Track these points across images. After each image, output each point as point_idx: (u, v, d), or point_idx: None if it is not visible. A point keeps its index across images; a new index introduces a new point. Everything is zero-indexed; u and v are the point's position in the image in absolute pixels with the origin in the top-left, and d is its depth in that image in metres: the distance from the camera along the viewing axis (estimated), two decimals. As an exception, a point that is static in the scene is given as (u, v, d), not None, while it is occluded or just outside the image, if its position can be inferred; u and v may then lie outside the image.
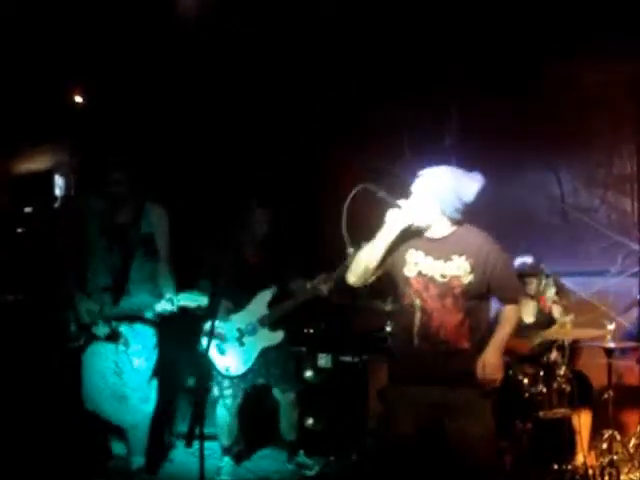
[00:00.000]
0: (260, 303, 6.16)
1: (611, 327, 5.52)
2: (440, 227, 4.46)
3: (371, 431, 6.24)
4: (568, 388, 5.63)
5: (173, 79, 7.47)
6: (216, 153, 7.67)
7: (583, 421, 5.75)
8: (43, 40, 6.94)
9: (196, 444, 4.50)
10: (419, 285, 4.42)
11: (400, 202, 4.38)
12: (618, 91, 6.81)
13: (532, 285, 6.25)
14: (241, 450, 6.53)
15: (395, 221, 4.38)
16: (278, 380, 6.24)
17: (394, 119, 7.38)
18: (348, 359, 6.75)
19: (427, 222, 4.44)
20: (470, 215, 4.50)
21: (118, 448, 5.98)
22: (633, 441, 5.74)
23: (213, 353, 6.07)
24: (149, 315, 5.64)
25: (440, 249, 4.43)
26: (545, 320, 6.19)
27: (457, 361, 4.39)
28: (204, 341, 5.73)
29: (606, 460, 5.51)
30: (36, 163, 7.85)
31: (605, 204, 6.91)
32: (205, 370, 5.93)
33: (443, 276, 4.39)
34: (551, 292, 6.28)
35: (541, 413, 5.63)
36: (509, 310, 4.56)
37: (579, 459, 5.74)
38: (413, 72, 7.26)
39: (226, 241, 6.38)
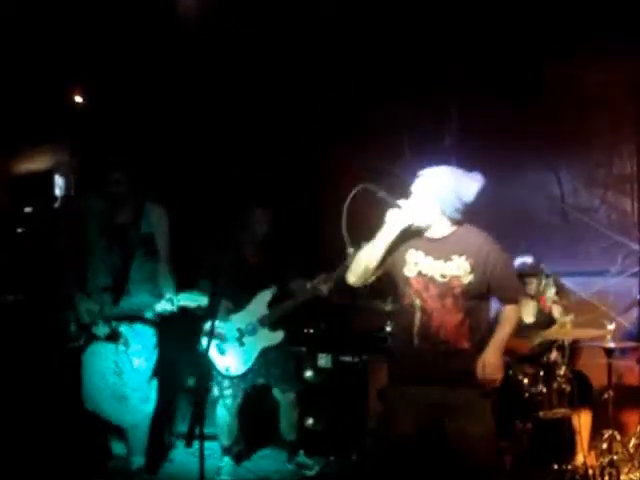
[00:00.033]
0: (260, 303, 6.16)
1: (611, 327, 5.52)
2: (440, 227, 4.46)
3: (371, 431, 6.24)
4: (568, 388, 5.63)
5: (173, 79, 7.46)
6: (216, 153, 7.66)
7: (583, 421, 5.75)
8: (43, 40, 6.93)
9: (196, 444, 4.51)
10: (419, 285, 4.42)
11: (400, 202, 4.38)
12: (618, 91, 6.81)
13: (532, 285, 6.25)
14: (241, 450, 6.53)
15: (395, 221, 4.38)
16: (278, 380, 6.24)
17: (394, 119, 7.38)
18: (348, 359, 6.75)
19: (427, 222, 4.44)
20: (470, 215, 4.50)
21: (118, 448, 5.98)
22: (633, 441, 5.74)
23: (213, 353, 6.07)
24: (149, 315, 5.64)
25: (440, 249, 4.43)
26: (545, 320, 6.19)
27: (457, 361, 4.39)
28: (204, 341, 5.73)
29: (606, 460, 5.51)
30: (36, 163, 7.85)
31: (605, 204, 6.91)
32: (205, 370, 5.93)
33: (443, 276, 4.39)
34: (551, 292, 6.28)
35: (541, 413, 5.63)
36: (509, 310, 4.56)
37: (579, 459, 5.74)
38: (413, 72, 7.26)
39: (226, 241, 6.38)
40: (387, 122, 7.42)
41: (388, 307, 6.18)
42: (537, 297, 6.28)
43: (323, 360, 6.82)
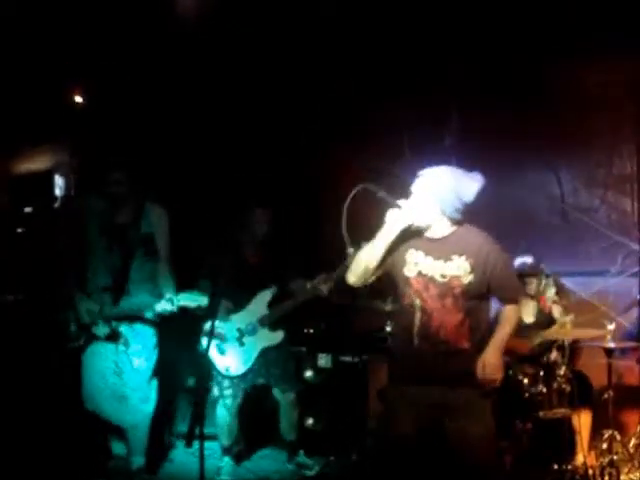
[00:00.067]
0: (260, 303, 6.16)
1: (611, 327, 5.52)
2: (440, 227, 4.46)
3: (371, 431, 6.24)
4: (568, 388, 5.63)
5: (173, 79, 7.46)
6: (216, 153, 7.66)
7: (583, 421, 5.75)
8: (43, 40, 6.93)
9: (196, 444, 4.51)
10: (419, 285, 4.42)
11: (400, 202, 4.39)
12: (618, 91, 6.81)
13: (532, 285, 6.26)
14: (241, 450, 6.52)
15: (395, 221, 4.38)
16: (278, 380, 6.24)
17: (394, 119, 7.37)
18: (348, 359, 6.75)
19: (427, 222, 4.44)
20: (471, 215, 4.50)
21: (118, 448, 5.98)
22: (633, 441, 5.74)
23: (213, 353, 6.07)
24: (149, 315, 5.64)
25: (440, 249, 4.43)
26: (545, 320, 6.20)
27: (457, 361, 4.39)
28: (204, 341, 5.73)
29: (606, 460, 5.51)
30: (36, 163, 7.86)
31: (605, 204, 6.91)
32: (205, 370, 5.93)
33: (443, 276, 4.39)
34: (551, 292, 6.28)
35: (541, 413, 5.63)
36: (509, 310, 4.56)
37: (579, 459, 5.74)
38: (413, 72, 7.26)
39: (226, 241, 6.38)
40: (387, 122, 7.41)
41: (388, 307, 6.18)
42: (537, 297, 6.28)
43: (323, 360, 6.82)
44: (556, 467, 5.60)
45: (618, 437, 5.63)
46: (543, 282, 6.29)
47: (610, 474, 5.45)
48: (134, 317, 5.64)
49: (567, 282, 6.44)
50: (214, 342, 6.01)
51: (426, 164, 4.53)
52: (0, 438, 5.98)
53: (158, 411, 5.92)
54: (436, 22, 6.94)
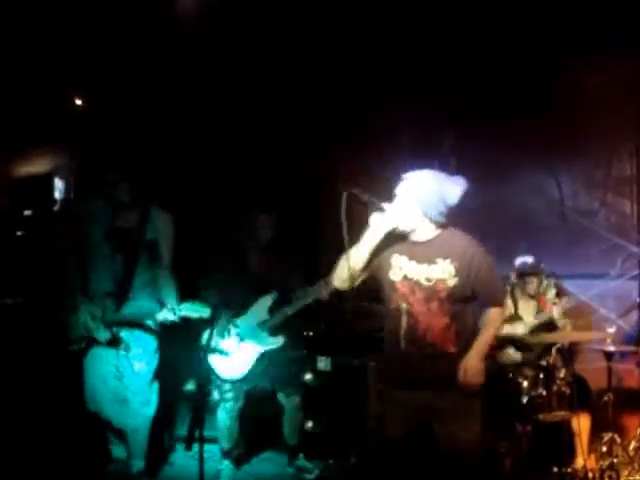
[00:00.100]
0: (261, 308, 6.15)
1: (611, 330, 5.53)
2: (424, 230, 4.47)
3: (370, 432, 6.25)
4: (568, 391, 5.63)
5: (173, 81, 7.45)
6: (215, 153, 7.66)
7: (583, 424, 5.75)
8: (43, 42, 6.92)
9: (196, 447, 4.51)
10: (405, 289, 4.44)
11: (384, 205, 4.39)
12: (618, 91, 6.80)
13: (532, 284, 6.28)
14: (241, 453, 6.51)
15: (379, 224, 4.40)
16: (282, 384, 6.24)
17: (394, 119, 7.37)
18: (348, 361, 6.75)
19: (411, 225, 4.45)
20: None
21: (118, 451, 5.97)
22: (633, 444, 5.71)
23: (213, 357, 6.07)
24: (150, 323, 5.63)
25: (424, 252, 4.44)
26: (545, 321, 6.19)
27: (443, 364, 4.40)
28: (204, 345, 5.74)
29: (606, 463, 5.52)
30: (36, 166, 7.85)
31: (604, 206, 6.91)
32: (205, 374, 5.93)
33: (428, 279, 4.40)
34: (552, 293, 6.29)
35: (541, 416, 5.63)
36: (493, 313, 4.56)
37: (579, 462, 5.75)
38: (413, 72, 7.25)
39: (226, 241, 6.39)
40: (387, 122, 7.41)
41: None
42: (537, 297, 6.28)
43: (323, 363, 6.81)
44: (556, 470, 5.61)
45: (618, 440, 5.63)
46: (544, 282, 6.29)
47: (610, 477, 5.46)
48: (135, 324, 5.63)
49: (567, 285, 6.45)
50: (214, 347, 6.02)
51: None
52: (1, 441, 5.99)
53: (159, 414, 5.91)
54: (436, 22, 6.92)
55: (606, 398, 5.55)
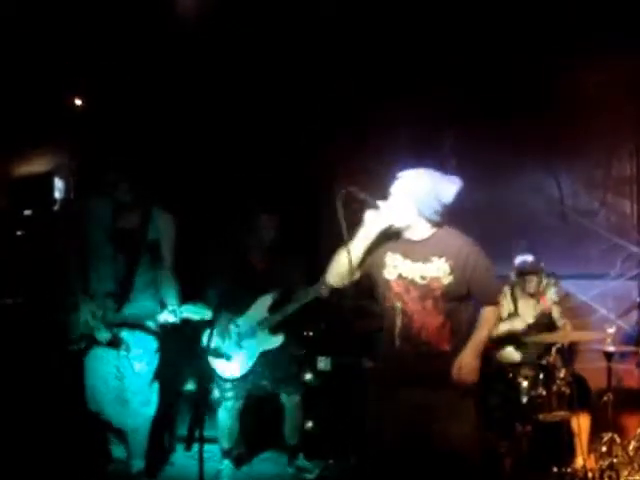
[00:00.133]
0: (261, 307, 6.16)
1: (611, 330, 5.52)
2: (420, 229, 4.47)
3: (367, 431, 6.24)
4: (568, 391, 5.62)
5: (173, 81, 7.44)
6: (215, 152, 7.65)
7: (582, 424, 5.75)
8: (43, 42, 6.91)
9: (196, 447, 4.50)
10: (400, 288, 4.45)
11: (379, 203, 4.40)
12: (618, 91, 6.80)
13: (532, 283, 6.28)
14: (241, 453, 6.51)
15: (373, 222, 4.41)
16: (283, 383, 6.24)
17: (394, 119, 7.36)
18: (348, 361, 6.75)
19: (406, 223, 4.45)
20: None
21: (118, 452, 5.97)
22: (633, 444, 5.70)
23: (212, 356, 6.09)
24: (151, 324, 5.63)
25: (419, 251, 4.45)
26: (545, 321, 6.19)
27: (438, 363, 4.41)
28: (204, 345, 5.75)
29: (606, 463, 5.52)
30: (36, 165, 7.82)
31: (604, 206, 6.92)
32: (205, 374, 5.94)
33: (423, 278, 4.41)
34: (552, 292, 6.28)
35: (541, 416, 5.63)
36: (488, 312, 4.57)
37: (579, 462, 5.74)
38: (413, 72, 7.25)
39: (226, 241, 6.39)
40: (387, 122, 7.40)
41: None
42: (537, 297, 6.28)
43: (322, 363, 6.82)
44: (556, 470, 5.61)
45: (618, 440, 5.63)
46: (544, 281, 6.29)
47: (610, 477, 5.46)
48: (136, 325, 5.63)
49: (567, 285, 6.45)
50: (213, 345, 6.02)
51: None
52: (1, 441, 5.99)
53: (159, 415, 5.91)
54: (436, 22, 6.92)
55: (606, 398, 5.55)
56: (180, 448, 6.59)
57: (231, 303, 6.05)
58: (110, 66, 7.21)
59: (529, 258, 6.23)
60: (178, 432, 6.75)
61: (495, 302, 4.62)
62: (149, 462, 5.90)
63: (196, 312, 5.40)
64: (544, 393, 5.65)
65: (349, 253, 4.35)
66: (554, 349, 5.74)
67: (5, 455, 5.86)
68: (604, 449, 5.61)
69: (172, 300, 5.55)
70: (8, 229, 7.51)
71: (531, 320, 6.26)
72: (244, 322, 6.15)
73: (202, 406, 5.32)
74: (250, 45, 7.18)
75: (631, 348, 6.12)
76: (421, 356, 4.41)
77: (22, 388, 6.33)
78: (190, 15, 6.92)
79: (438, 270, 4.40)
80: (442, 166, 4.74)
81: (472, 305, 4.55)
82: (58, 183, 7.83)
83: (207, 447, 5.37)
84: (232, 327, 6.12)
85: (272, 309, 6.16)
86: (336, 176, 7.29)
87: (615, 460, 5.53)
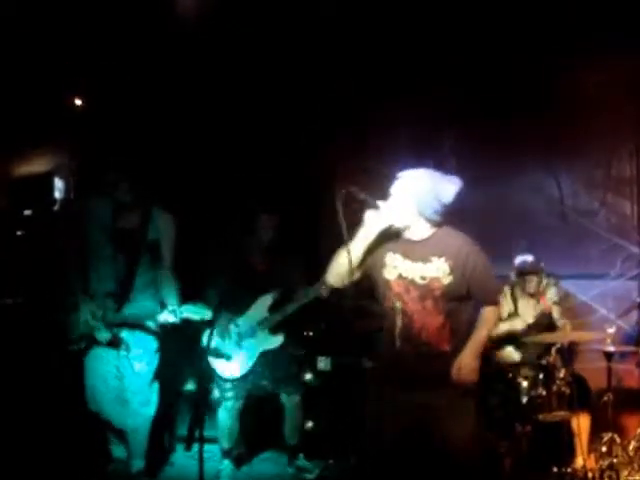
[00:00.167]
0: (260, 307, 6.17)
1: (611, 330, 5.52)
2: (419, 229, 4.48)
3: (367, 432, 6.24)
4: (568, 391, 5.62)
5: (173, 81, 7.44)
6: (215, 152, 7.65)
7: (582, 424, 5.75)
8: (43, 42, 6.91)
9: (196, 447, 4.50)
10: (400, 288, 4.45)
11: (379, 203, 4.40)
12: (618, 91, 6.80)
13: (532, 283, 6.29)
14: (241, 453, 6.51)
15: (373, 222, 4.41)
16: (283, 383, 6.25)
17: (394, 119, 7.36)
18: (348, 361, 6.74)
19: (405, 223, 4.46)
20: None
21: (118, 452, 5.97)
22: (633, 444, 5.69)
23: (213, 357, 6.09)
24: (151, 324, 5.63)
25: (419, 251, 4.45)
26: (545, 321, 6.19)
27: (439, 363, 4.42)
28: (204, 345, 5.75)
29: (606, 463, 5.52)
30: (36, 165, 7.82)
31: (605, 207, 6.92)
32: (205, 374, 5.94)
33: (423, 278, 4.41)
34: (552, 293, 6.29)
35: (541, 416, 5.63)
36: (488, 312, 4.57)
37: (578, 462, 5.74)
38: (413, 72, 7.25)
39: (226, 241, 6.39)
40: (387, 122, 7.40)
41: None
42: (537, 296, 6.28)
43: (322, 363, 6.82)
44: (556, 470, 5.61)
45: (618, 440, 5.62)
46: (544, 281, 6.29)
47: (610, 477, 5.46)
48: (136, 325, 5.62)
49: (567, 285, 6.45)
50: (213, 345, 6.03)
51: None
52: (1, 441, 5.98)
53: (159, 414, 5.91)
54: (436, 22, 6.92)
55: (606, 398, 5.54)
56: (180, 448, 6.61)
57: (231, 303, 6.06)
58: (110, 66, 7.21)
59: (529, 258, 6.23)
60: (178, 432, 6.76)
61: (495, 302, 4.62)
62: (149, 462, 5.90)
63: (196, 312, 5.40)
64: (544, 393, 5.65)
65: (349, 253, 4.35)
66: (554, 349, 5.74)
67: (5, 455, 5.86)
68: (604, 449, 5.60)
69: (172, 300, 5.55)
70: (8, 229, 7.51)
71: (531, 320, 6.26)
72: (244, 322, 6.15)
73: (202, 406, 5.31)
74: (250, 45, 7.18)
75: (631, 348, 6.13)
76: (421, 356, 4.42)
77: (22, 388, 6.33)
78: (190, 15, 6.91)
79: (438, 270, 4.40)
80: (442, 166, 4.74)
81: (472, 305, 4.55)
82: (58, 183, 7.82)
83: (207, 447, 5.37)
84: (232, 327, 6.13)
85: (272, 309, 6.16)
86: (336, 176, 7.29)
87: (615, 460, 5.52)
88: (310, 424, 6.71)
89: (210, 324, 5.35)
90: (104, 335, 5.54)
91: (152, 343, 5.73)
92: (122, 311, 5.58)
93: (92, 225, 5.65)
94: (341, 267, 4.45)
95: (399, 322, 4.44)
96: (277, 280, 6.19)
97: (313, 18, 6.99)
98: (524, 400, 5.69)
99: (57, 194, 7.85)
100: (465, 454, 4.42)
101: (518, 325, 6.18)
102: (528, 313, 6.27)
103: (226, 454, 6.22)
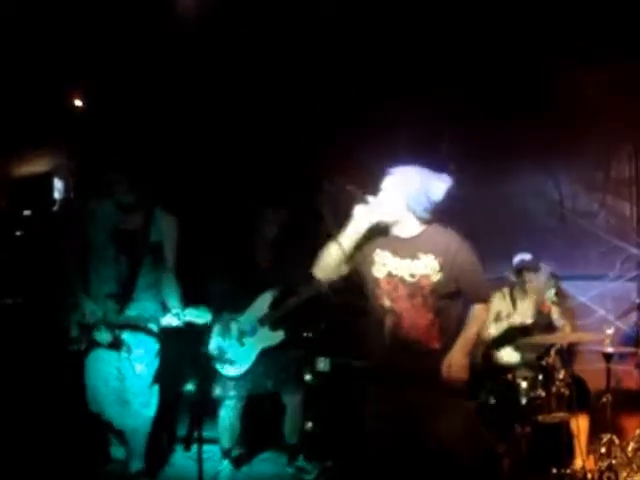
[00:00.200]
0: (261, 304, 6.18)
1: (610, 331, 5.52)
2: (409, 226, 4.48)
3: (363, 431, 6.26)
4: (567, 392, 5.61)
5: (174, 81, 7.44)
6: (215, 152, 7.65)
7: (581, 425, 5.75)
8: (43, 42, 6.91)
9: (195, 448, 4.51)
10: (389, 286, 4.45)
11: (369, 198, 4.40)
12: (618, 91, 6.80)
13: (532, 283, 6.26)
14: (241, 453, 6.52)
15: (363, 217, 4.41)
16: (284, 383, 6.25)
17: (394, 119, 7.36)
18: (347, 362, 6.74)
19: (395, 219, 4.46)
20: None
21: (118, 452, 5.97)
22: (631, 445, 5.69)
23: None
24: (153, 327, 5.63)
25: (408, 248, 4.45)
26: (544, 321, 6.19)
27: (428, 361, 4.42)
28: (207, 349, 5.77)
29: (605, 464, 5.50)
30: (35, 166, 7.83)
31: (604, 208, 6.92)
32: (206, 375, 5.95)
33: (412, 275, 4.42)
34: (551, 293, 6.27)
35: (540, 417, 5.62)
36: (477, 310, 4.57)
37: (578, 463, 5.72)
38: (413, 72, 7.25)
39: (230, 243, 6.41)
40: (387, 122, 7.40)
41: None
42: (537, 297, 6.27)
43: (322, 364, 6.82)
44: (555, 471, 5.60)
45: (617, 441, 5.60)
46: (543, 282, 6.29)
47: (609, 478, 5.45)
48: (137, 327, 5.63)
49: (566, 286, 6.44)
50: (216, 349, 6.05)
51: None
52: (1, 441, 5.99)
53: (158, 415, 5.91)
54: (436, 22, 6.91)
55: (605, 399, 5.53)
56: (180, 449, 6.62)
57: (233, 302, 6.06)
58: (110, 66, 7.21)
59: (527, 256, 6.23)
60: (178, 433, 6.77)
61: (485, 300, 4.61)
62: (148, 463, 5.91)
63: (199, 316, 5.39)
64: (543, 394, 5.64)
65: (340, 246, 4.36)
66: (553, 350, 5.73)
67: (5, 455, 5.87)
68: (603, 450, 5.58)
69: (174, 302, 5.55)
70: (8, 229, 7.52)
71: (530, 320, 6.25)
72: (245, 320, 6.16)
73: (201, 407, 5.31)
74: (250, 45, 7.17)
75: (630, 349, 6.12)
76: (410, 354, 4.42)
77: (22, 388, 6.34)
78: (190, 15, 6.91)
79: (427, 267, 4.40)
80: (442, 166, 4.73)
81: (462, 303, 4.55)
82: (58, 183, 7.84)
83: (207, 447, 5.37)
84: (233, 325, 6.13)
85: (273, 306, 6.17)
86: (336, 176, 7.28)
87: (614, 461, 5.51)
88: (310, 424, 6.72)
89: (211, 327, 5.36)
90: (105, 337, 5.54)
91: (153, 345, 5.73)
92: (124, 312, 5.58)
93: (94, 226, 5.64)
94: (329, 260, 4.46)
95: (388, 320, 4.44)
96: (279, 277, 6.19)
97: (313, 18, 6.98)
98: (523, 401, 5.67)
99: (57, 194, 7.87)
100: (456, 451, 4.43)
101: (517, 319, 6.17)
102: (527, 313, 6.26)
103: (226, 454, 6.22)
